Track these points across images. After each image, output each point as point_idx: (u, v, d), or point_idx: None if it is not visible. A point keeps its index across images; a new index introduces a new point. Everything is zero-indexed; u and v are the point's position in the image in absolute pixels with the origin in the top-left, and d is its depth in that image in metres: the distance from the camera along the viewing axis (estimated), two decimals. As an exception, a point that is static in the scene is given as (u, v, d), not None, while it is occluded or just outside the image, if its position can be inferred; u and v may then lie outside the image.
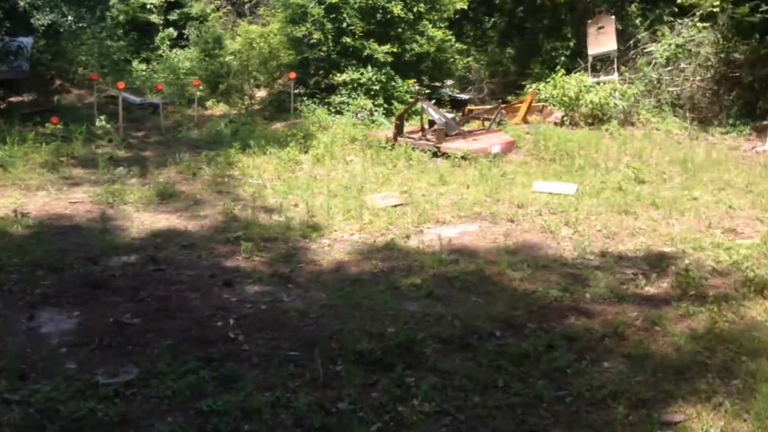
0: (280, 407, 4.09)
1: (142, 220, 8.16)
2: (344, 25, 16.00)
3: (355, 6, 15.93)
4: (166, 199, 9.09)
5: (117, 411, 4.03)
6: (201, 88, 17.36)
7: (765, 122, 14.39)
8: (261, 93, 18.97)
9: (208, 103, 17.91)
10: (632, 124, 15.49)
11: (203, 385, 4.33)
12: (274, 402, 4.13)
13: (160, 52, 22.19)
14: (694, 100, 16.29)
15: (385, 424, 3.95)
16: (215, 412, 4.03)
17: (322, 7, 15.97)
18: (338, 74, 16.07)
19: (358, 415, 4.02)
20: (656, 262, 6.76)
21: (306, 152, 11.98)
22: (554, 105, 15.93)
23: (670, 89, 16.41)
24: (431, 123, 13.01)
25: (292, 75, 16.21)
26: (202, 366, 4.55)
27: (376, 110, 15.53)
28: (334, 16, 16.04)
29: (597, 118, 15.24)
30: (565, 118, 15.54)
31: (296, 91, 16.49)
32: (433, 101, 15.72)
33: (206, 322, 5.32)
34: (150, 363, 4.62)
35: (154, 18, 22.81)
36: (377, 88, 15.82)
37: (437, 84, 18.33)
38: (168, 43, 22.42)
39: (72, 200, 8.94)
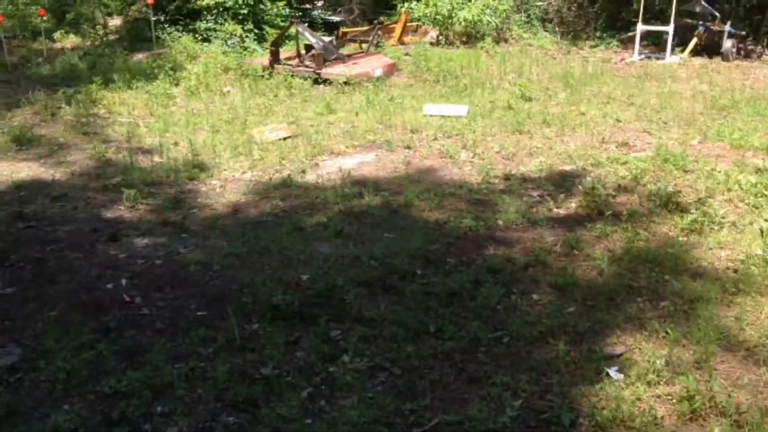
0: (196, 380, 3.62)
1: (0, 170, 7.22)
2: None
3: None
4: (24, 144, 8.14)
5: (2, 402, 3.45)
6: (46, 18, 15.76)
7: (630, 33, 14.72)
8: (115, 21, 17.47)
9: (56, 35, 16.35)
10: (506, 40, 15.57)
11: (102, 362, 3.77)
12: (188, 374, 3.65)
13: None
14: (561, 14, 16.50)
15: (316, 387, 3.55)
16: (120, 393, 3.50)
17: None
18: (201, -2, 14.94)
19: (285, 381, 3.61)
20: (560, 182, 6.65)
21: (177, 85, 11.10)
22: (428, 24, 15.63)
23: (538, 3, 16.56)
24: (308, 48, 12.36)
25: (149, 0, 14.90)
26: (97, 339, 3.99)
27: (246, 36, 14.59)
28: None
29: (471, 36, 15.19)
30: (440, 37, 15.35)
31: (155, 17, 15.22)
32: (306, 24, 14.96)
33: (95, 284, 4.70)
34: (35, 340, 4.00)
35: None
36: (245, 11, 14.85)
37: (307, 6, 17.52)
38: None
39: None
